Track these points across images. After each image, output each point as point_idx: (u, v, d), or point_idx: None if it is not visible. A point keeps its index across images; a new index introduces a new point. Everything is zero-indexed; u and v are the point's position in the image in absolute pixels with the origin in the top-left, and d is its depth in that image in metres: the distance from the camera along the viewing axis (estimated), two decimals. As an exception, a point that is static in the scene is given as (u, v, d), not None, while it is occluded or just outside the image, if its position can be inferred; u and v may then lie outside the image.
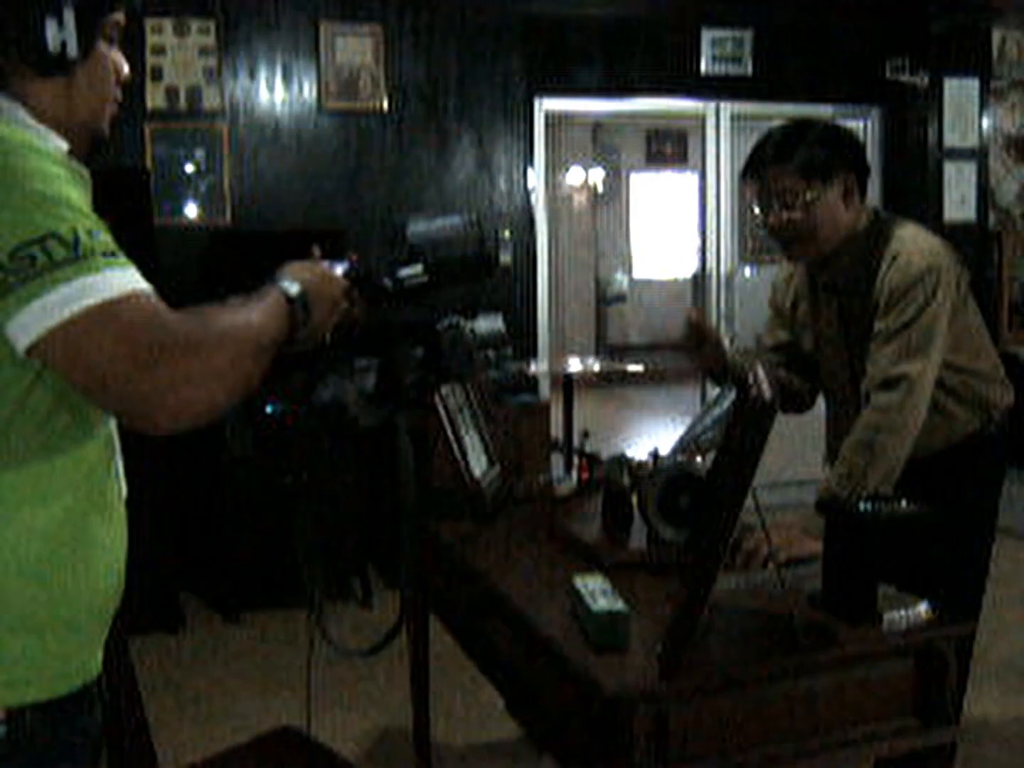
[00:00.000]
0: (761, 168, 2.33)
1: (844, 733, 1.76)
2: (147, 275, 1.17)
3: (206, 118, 4.83)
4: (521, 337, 5.27)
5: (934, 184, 5.91)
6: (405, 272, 1.53)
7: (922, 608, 1.84)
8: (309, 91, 4.98)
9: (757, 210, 2.38)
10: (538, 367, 5.19)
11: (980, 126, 5.94)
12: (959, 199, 5.95)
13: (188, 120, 4.80)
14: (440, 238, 1.54)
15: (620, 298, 11.94)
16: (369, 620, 4.36)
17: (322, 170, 5.01)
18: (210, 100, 4.82)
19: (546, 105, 5.39)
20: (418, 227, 1.55)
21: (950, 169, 5.91)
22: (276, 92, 4.93)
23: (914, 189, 5.94)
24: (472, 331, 1.61)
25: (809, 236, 2.32)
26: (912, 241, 2.30)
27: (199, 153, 4.81)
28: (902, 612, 1.82)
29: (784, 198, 2.30)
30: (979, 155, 5.97)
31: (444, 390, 2.52)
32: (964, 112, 5.91)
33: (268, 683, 3.80)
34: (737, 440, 1.55)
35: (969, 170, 5.95)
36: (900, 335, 2.23)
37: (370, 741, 3.37)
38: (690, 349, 2.49)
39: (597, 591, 1.81)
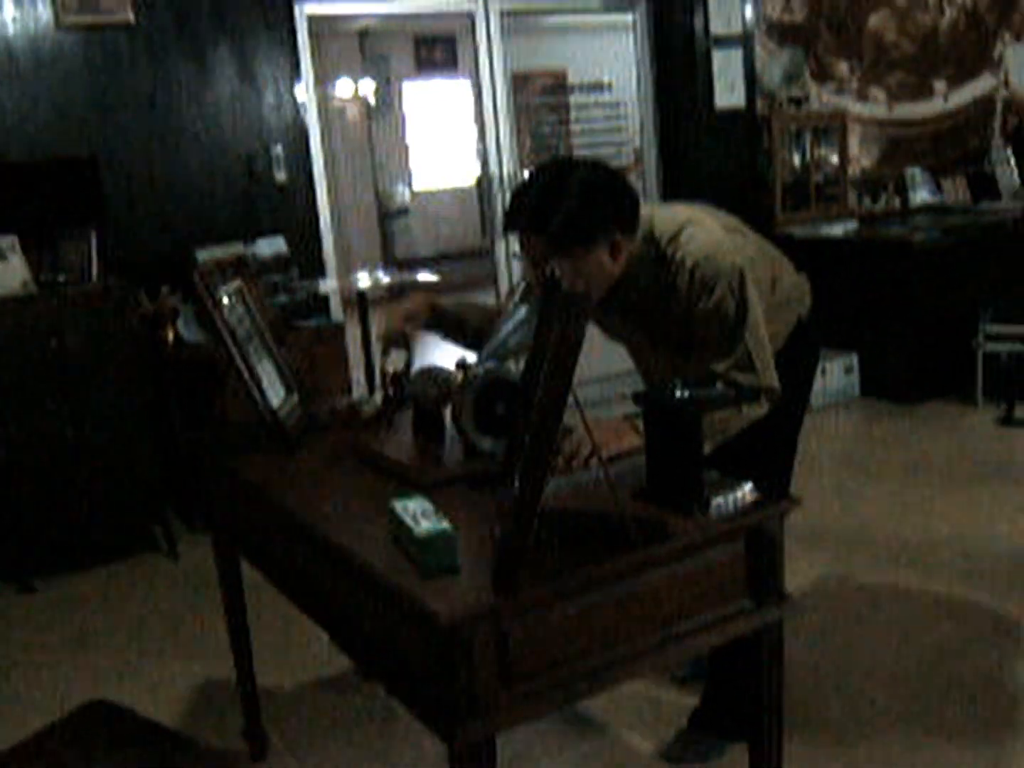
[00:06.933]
0: (519, 232, 2.16)
1: (684, 624, 1.73)
2: None
3: (-75, 41, 4.30)
4: (306, 257, 5.03)
5: (704, 72, 5.97)
6: None
7: (747, 489, 1.82)
8: (43, 5, 4.50)
9: None
10: (327, 286, 4.99)
11: (743, 13, 6.02)
12: (728, 86, 6.04)
13: (-97, 45, 4.27)
14: None
15: (403, 211, 11.70)
16: (177, 570, 4.14)
17: (67, 93, 4.56)
18: (-73, 20, 4.29)
19: (307, 9, 5.08)
20: None
21: (718, 57, 5.98)
22: (4, 8, 4.44)
23: (685, 78, 5.99)
24: None
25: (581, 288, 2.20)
26: (698, 250, 2.17)
27: (-79, 81, 4.29)
28: (728, 495, 1.79)
29: (544, 262, 2.14)
30: (744, 41, 6.06)
31: (231, 316, 2.33)
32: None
33: (76, 650, 3.55)
34: (555, 336, 1.46)
35: (736, 57, 6.04)
36: (734, 347, 2.16)
37: (194, 693, 3.19)
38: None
39: (418, 512, 1.70)
